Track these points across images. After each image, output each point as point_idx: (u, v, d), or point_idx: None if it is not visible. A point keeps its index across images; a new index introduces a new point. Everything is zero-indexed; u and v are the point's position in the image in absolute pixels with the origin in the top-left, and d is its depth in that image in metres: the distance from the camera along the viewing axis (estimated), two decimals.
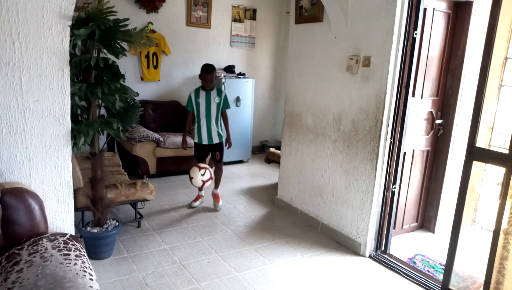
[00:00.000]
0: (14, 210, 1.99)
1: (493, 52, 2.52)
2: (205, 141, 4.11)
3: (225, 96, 4.13)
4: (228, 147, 4.33)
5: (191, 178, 3.90)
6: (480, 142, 3.70)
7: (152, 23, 5.52)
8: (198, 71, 5.94)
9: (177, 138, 5.21)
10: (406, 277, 3.05)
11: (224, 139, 4.23)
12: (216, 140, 4.14)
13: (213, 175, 3.97)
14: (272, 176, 5.34)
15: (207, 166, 3.94)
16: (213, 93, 4.08)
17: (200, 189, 4.24)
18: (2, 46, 2.01)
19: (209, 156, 4.29)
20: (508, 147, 2.44)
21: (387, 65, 3.04)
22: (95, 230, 3.01)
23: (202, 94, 4.06)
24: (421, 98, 3.50)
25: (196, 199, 4.32)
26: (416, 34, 3.05)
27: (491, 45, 2.50)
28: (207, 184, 3.91)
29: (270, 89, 6.95)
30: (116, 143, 5.45)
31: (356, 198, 3.38)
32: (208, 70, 4.04)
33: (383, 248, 3.40)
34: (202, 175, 3.83)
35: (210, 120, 4.09)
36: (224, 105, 4.14)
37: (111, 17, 2.55)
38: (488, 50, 2.52)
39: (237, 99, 5.80)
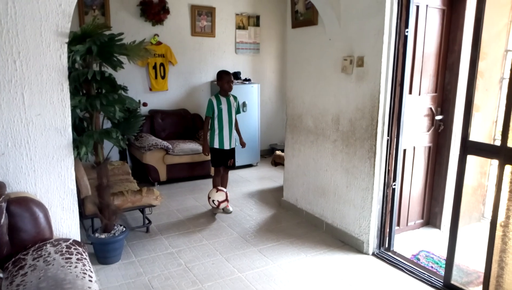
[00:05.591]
0: (20, 218, 2.12)
1: (481, 46, 2.54)
2: (227, 146, 4.25)
3: (238, 101, 4.34)
4: (243, 147, 4.53)
5: (208, 198, 4.13)
6: (485, 137, 3.69)
7: (158, 35, 5.69)
8: (204, 80, 6.19)
9: (186, 145, 5.35)
10: (408, 273, 3.06)
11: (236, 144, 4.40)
12: (234, 144, 4.33)
13: (229, 197, 4.18)
14: (279, 179, 5.39)
15: (224, 189, 4.17)
16: (231, 99, 4.25)
17: (216, 208, 4.19)
18: (4, 65, 2.16)
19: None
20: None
21: (379, 64, 3.08)
22: (103, 236, 3.14)
23: (223, 100, 4.20)
24: (419, 94, 3.51)
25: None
26: (407, 32, 3.08)
27: (478, 39, 2.52)
28: (222, 205, 4.10)
29: (277, 92, 7.03)
30: (128, 152, 5.62)
31: (357, 196, 3.41)
32: (229, 73, 4.22)
33: (386, 245, 3.41)
34: (218, 196, 4.07)
35: (232, 125, 4.25)
36: (237, 110, 4.33)
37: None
38: (476, 45, 2.54)
39: (244, 104, 5.89)
